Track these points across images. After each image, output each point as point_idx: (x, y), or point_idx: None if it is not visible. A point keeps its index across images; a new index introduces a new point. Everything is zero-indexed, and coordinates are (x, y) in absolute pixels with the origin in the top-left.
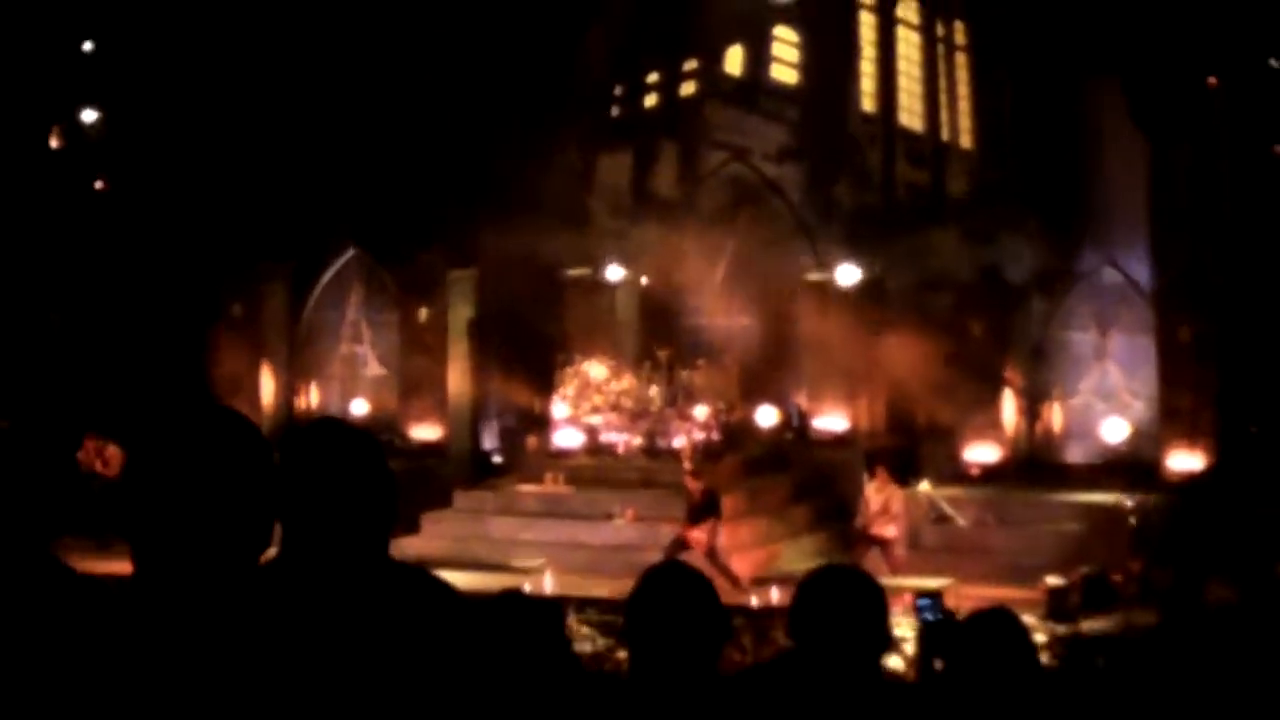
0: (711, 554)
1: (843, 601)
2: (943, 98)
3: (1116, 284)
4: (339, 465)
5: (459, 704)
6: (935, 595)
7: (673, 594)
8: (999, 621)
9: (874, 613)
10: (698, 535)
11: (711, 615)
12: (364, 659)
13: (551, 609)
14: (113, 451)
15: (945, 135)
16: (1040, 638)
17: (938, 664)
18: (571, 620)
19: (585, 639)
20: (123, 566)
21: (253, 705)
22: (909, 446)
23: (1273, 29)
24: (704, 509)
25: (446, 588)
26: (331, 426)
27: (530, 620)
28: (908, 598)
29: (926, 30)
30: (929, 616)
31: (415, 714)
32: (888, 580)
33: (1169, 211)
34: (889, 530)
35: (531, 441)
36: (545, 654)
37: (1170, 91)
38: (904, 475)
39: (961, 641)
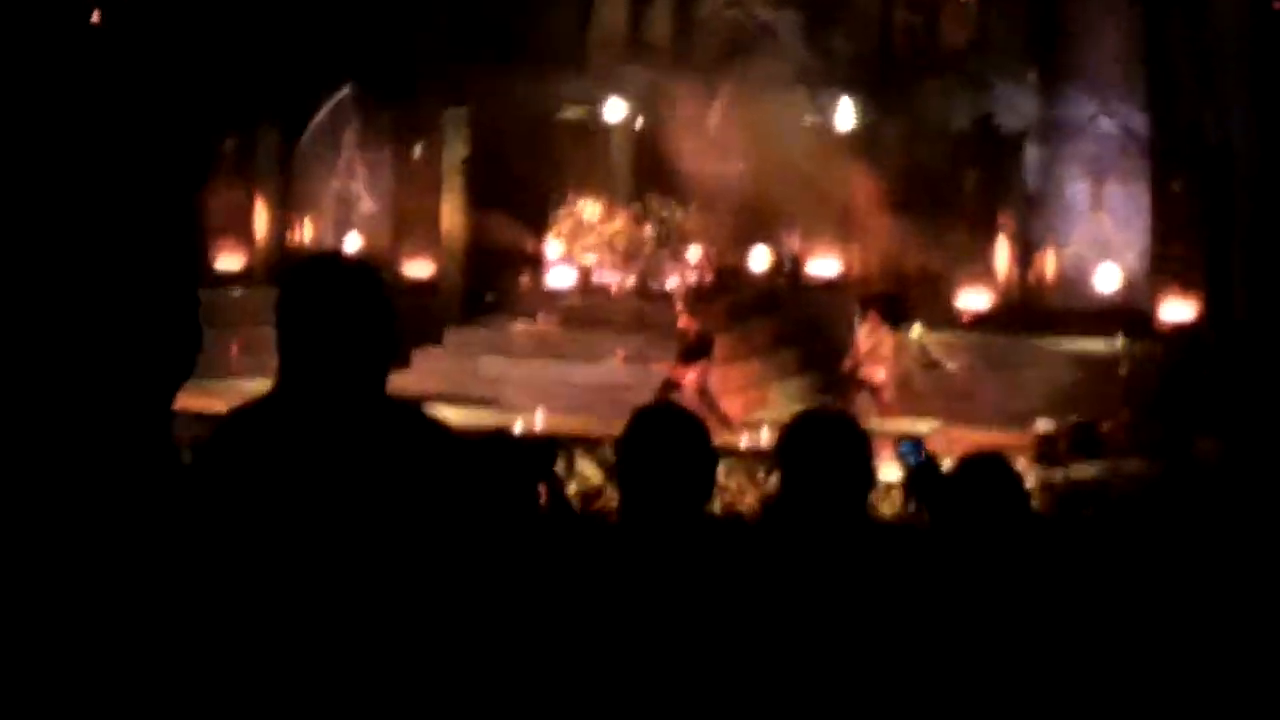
0: (702, 394)
1: (826, 444)
2: None
3: (1112, 134)
4: (339, 299)
5: (448, 542)
6: (918, 439)
7: (664, 434)
8: (991, 467)
9: (857, 455)
10: (689, 376)
11: (702, 456)
12: (355, 495)
13: (543, 449)
14: None
15: None
16: (1028, 483)
17: (913, 505)
18: (563, 460)
19: (580, 477)
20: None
21: (247, 536)
22: (900, 292)
23: None
24: (696, 350)
25: (439, 425)
26: (331, 261)
27: (522, 460)
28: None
29: None
30: (911, 460)
31: (405, 549)
32: (875, 423)
33: (1167, 62)
34: (878, 374)
35: (524, 280)
36: (534, 494)
37: None
38: (895, 320)
39: (953, 486)
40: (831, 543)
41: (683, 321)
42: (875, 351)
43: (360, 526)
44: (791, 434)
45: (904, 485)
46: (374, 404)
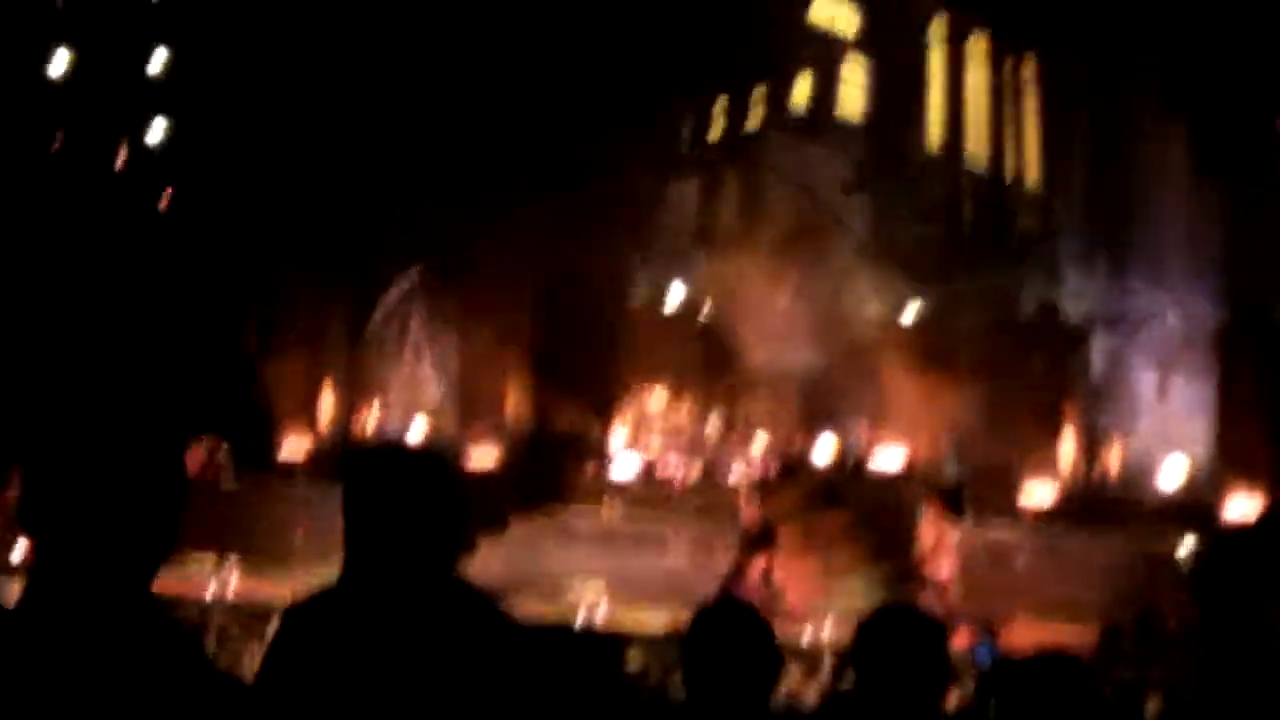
0: (767, 585)
1: (903, 642)
2: (1010, 134)
3: (1179, 325)
4: (405, 491)
5: None
6: (992, 639)
7: (728, 631)
8: (1065, 668)
9: (935, 653)
10: (755, 566)
11: (765, 653)
12: (422, 687)
13: (611, 644)
14: (226, 452)
15: (1012, 171)
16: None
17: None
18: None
19: (641, 669)
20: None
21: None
22: (965, 483)
23: None
24: (760, 539)
25: (507, 619)
26: (397, 453)
27: (591, 656)
28: (961, 637)
29: (995, 65)
30: (986, 660)
31: None
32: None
33: (1235, 255)
34: (942, 569)
35: (589, 468)
36: (606, 690)
37: (1239, 133)
38: (959, 512)
39: (1025, 686)
40: None
41: (747, 511)
42: (939, 546)
43: (426, 717)
44: (870, 629)
45: (977, 687)
46: (441, 595)
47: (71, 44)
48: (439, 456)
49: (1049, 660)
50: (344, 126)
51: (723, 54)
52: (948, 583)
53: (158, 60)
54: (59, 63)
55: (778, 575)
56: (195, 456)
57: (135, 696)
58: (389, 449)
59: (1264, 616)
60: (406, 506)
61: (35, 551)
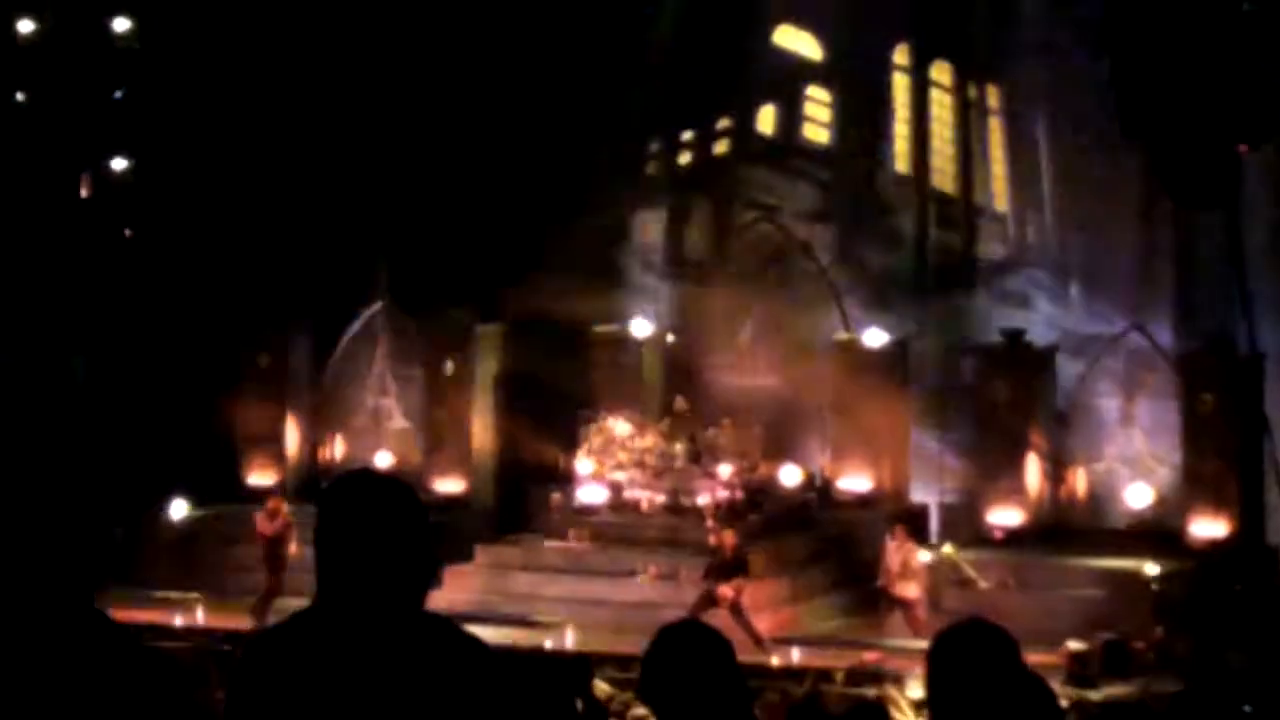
0: (736, 611)
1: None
2: (975, 160)
3: (1143, 350)
4: (377, 518)
5: None
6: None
7: (688, 652)
8: (1029, 688)
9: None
10: (725, 592)
11: (727, 674)
12: (390, 713)
13: (578, 666)
14: (276, 507)
15: (979, 198)
16: (1061, 703)
17: None
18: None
19: (608, 695)
20: None
21: None
22: (928, 509)
23: None
24: (734, 566)
25: (477, 643)
26: (368, 479)
27: (558, 677)
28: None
29: (959, 92)
30: None
31: None
32: (911, 642)
33: (1197, 279)
34: (910, 591)
35: (555, 497)
36: (572, 710)
37: (1200, 158)
38: (924, 536)
39: (991, 705)
40: None
41: (718, 538)
42: (906, 568)
43: None
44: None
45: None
46: (410, 621)
47: (33, 77)
48: (405, 484)
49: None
50: (307, 161)
51: (690, 82)
52: (915, 604)
53: (120, 93)
54: (20, 95)
55: (745, 601)
56: (276, 516)
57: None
58: (359, 476)
59: (1224, 662)
60: (377, 531)
61: None
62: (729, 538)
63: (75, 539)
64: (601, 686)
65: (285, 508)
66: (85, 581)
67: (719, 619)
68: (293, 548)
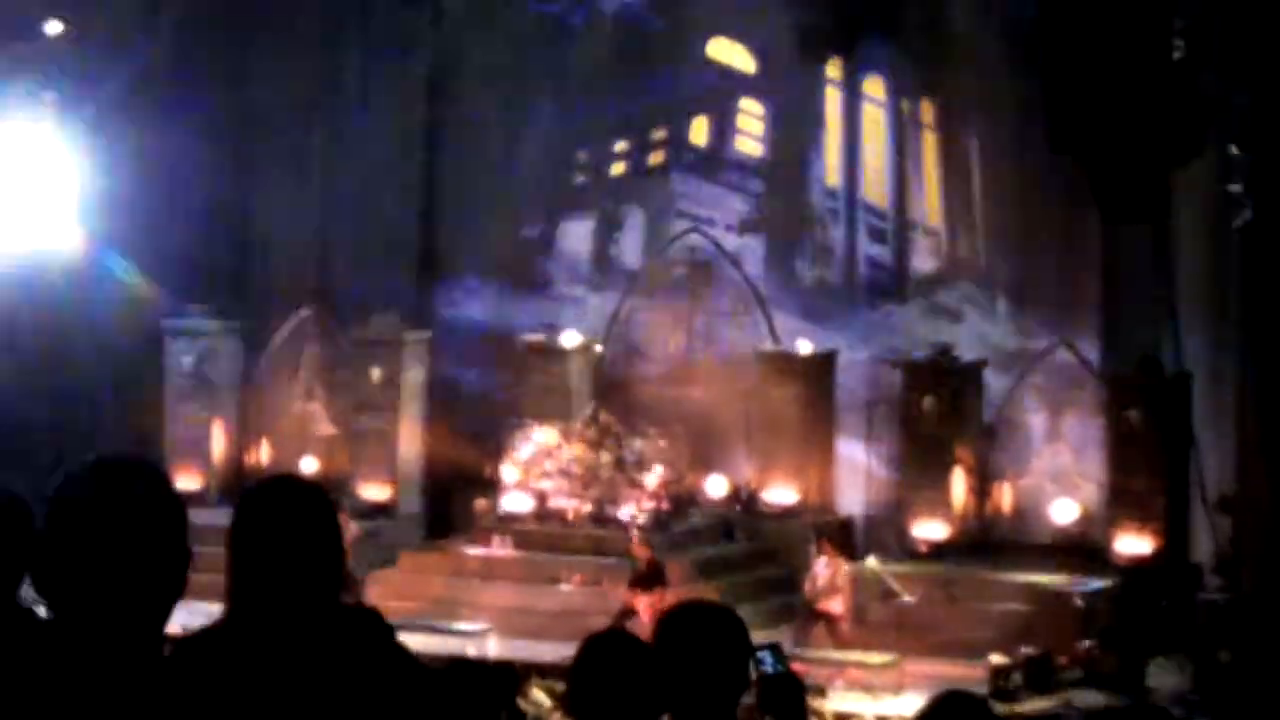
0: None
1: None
2: (909, 175)
3: (1070, 365)
4: (294, 522)
5: None
6: (776, 646)
7: (613, 662)
8: (967, 707)
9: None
10: (645, 603)
11: (651, 684)
12: (321, 715)
13: (505, 676)
14: (343, 519)
15: (912, 212)
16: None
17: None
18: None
19: (534, 704)
20: None
21: None
22: (855, 521)
23: (1234, 115)
24: (651, 577)
25: (402, 649)
26: (283, 482)
27: (484, 687)
28: (851, 672)
29: (892, 107)
30: (769, 669)
31: None
32: (834, 654)
33: (1125, 296)
34: (835, 605)
35: (480, 504)
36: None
37: (1129, 174)
38: (851, 550)
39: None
40: None
41: (635, 548)
42: (832, 582)
43: None
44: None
45: (756, 693)
46: (335, 625)
47: None
48: (320, 488)
49: (950, 699)
50: (236, 165)
51: (623, 92)
52: (841, 619)
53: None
54: None
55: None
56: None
57: None
58: (274, 480)
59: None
60: (296, 535)
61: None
62: (642, 549)
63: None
64: (538, 696)
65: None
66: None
67: (641, 629)
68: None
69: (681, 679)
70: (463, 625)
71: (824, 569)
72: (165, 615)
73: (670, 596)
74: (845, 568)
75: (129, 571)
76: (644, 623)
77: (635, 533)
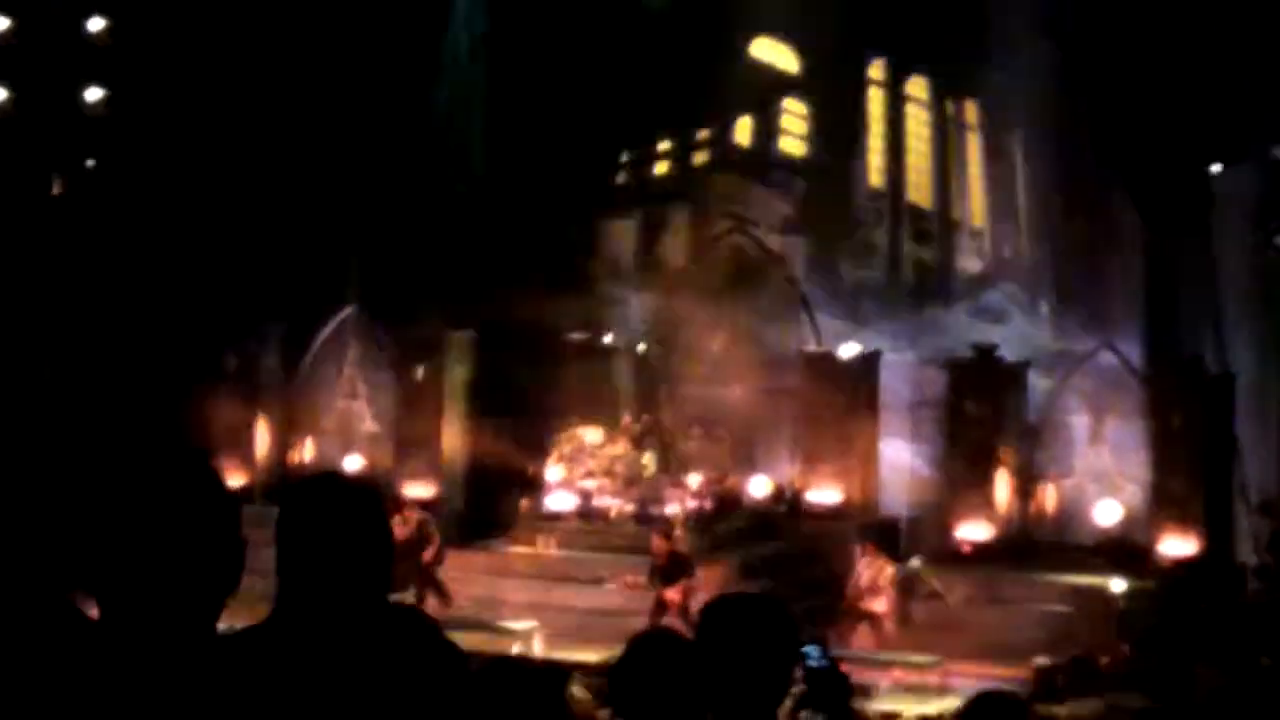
0: (685, 615)
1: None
2: (952, 175)
3: (1113, 367)
4: (342, 519)
5: None
6: (823, 640)
7: (658, 661)
8: (1004, 706)
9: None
10: (671, 596)
11: (696, 683)
12: (368, 713)
13: (554, 675)
14: (410, 514)
15: (955, 213)
16: None
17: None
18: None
19: (576, 702)
20: None
21: None
22: (899, 522)
23: (1274, 120)
24: (673, 570)
25: (451, 646)
26: (331, 481)
27: (532, 685)
28: (896, 672)
29: (936, 108)
30: (815, 663)
31: None
32: (878, 655)
33: (1169, 296)
34: (878, 605)
35: (524, 503)
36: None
37: (1171, 179)
38: (895, 551)
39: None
40: None
41: (656, 543)
42: (875, 583)
43: None
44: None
45: (800, 693)
46: (383, 623)
47: (7, 76)
48: (369, 486)
49: (988, 699)
50: (279, 165)
51: (666, 92)
52: (884, 618)
53: (94, 94)
54: None
55: (693, 604)
56: (409, 522)
57: None
58: (321, 478)
59: (1192, 676)
60: (344, 533)
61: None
62: (661, 544)
63: (49, 543)
64: (579, 694)
65: (416, 513)
66: (55, 582)
67: (673, 622)
68: (428, 554)
69: (727, 673)
70: (507, 623)
71: (867, 569)
72: (217, 610)
73: (697, 586)
74: (889, 569)
75: (181, 566)
76: (674, 616)
77: (660, 529)
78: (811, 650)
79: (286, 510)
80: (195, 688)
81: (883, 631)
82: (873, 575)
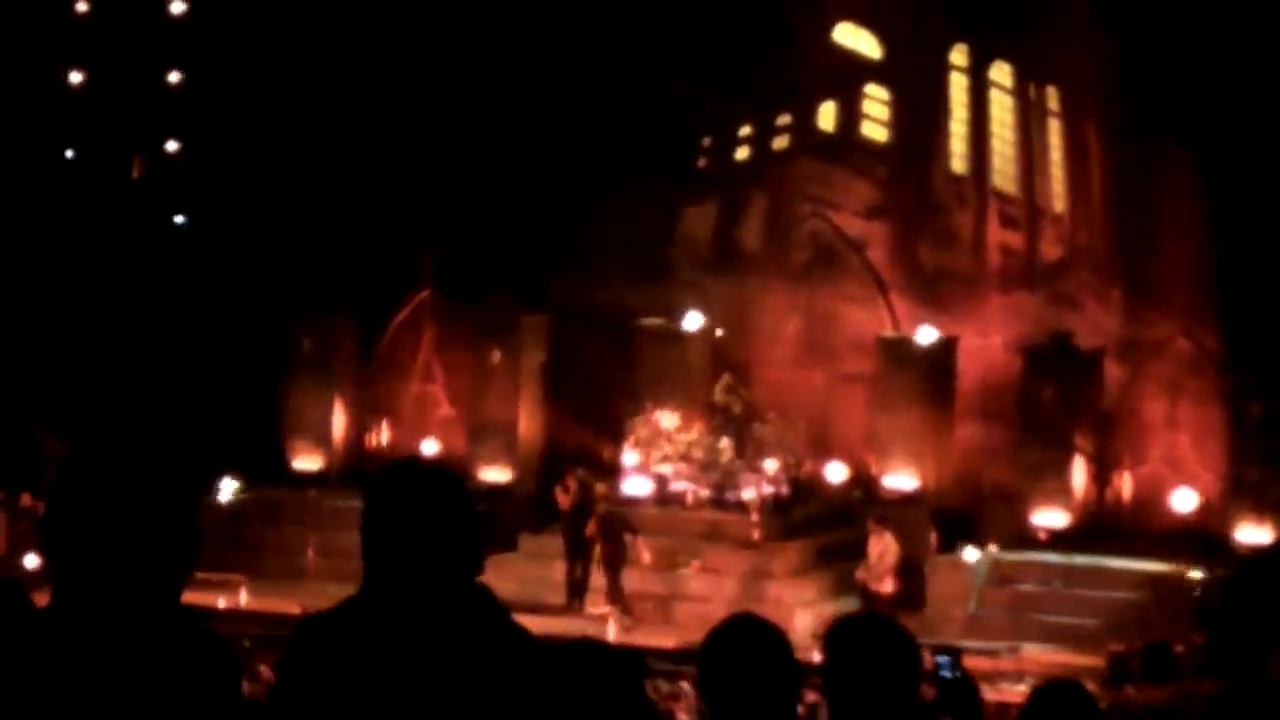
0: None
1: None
2: (1034, 160)
3: (1188, 353)
4: (427, 506)
5: None
6: (954, 653)
7: (747, 646)
8: (1069, 695)
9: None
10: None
11: (785, 668)
12: (441, 704)
13: (633, 659)
14: (572, 483)
15: (1038, 199)
16: (1101, 705)
17: None
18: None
19: (654, 689)
20: None
21: None
22: (974, 507)
23: None
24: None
25: (524, 632)
26: (417, 467)
27: (612, 669)
28: (925, 656)
29: (1019, 94)
30: (947, 674)
31: None
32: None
33: (1246, 284)
34: (885, 585)
35: (600, 488)
36: (626, 705)
37: (1249, 164)
38: (969, 536)
39: (1030, 715)
40: None
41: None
42: (883, 562)
43: None
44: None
45: (933, 700)
46: (464, 608)
47: (88, 57)
48: (453, 473)
49: (1052, 689)
50: (356, 149)
51: (747, 77)
52: (889, 598)
53: (174, 76)
54: (76, 75)
55: (783, 595)
56: (570, 488)
57: (161, 703)
58: (407, 465)
59: (1266, 664)
60: (432, 519)
61: (50, 562)
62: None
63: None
64: (656, 681)
65: (577, 482)
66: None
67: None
68: (591, 527)
69: (853, 695)
70: (581, 608)
71: (875, 547)
72: (176, 591)
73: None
74: (894, 545)
75: (136, 548)
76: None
77: (755, 517)
78: (943, 660)
79: (373, 497)
80: (153, 668)
81: (886, 610)
82: (879, 554)
